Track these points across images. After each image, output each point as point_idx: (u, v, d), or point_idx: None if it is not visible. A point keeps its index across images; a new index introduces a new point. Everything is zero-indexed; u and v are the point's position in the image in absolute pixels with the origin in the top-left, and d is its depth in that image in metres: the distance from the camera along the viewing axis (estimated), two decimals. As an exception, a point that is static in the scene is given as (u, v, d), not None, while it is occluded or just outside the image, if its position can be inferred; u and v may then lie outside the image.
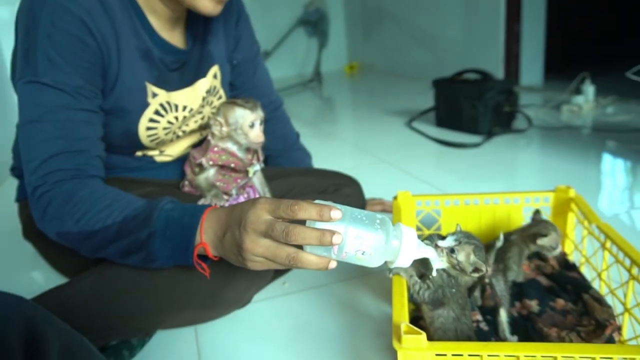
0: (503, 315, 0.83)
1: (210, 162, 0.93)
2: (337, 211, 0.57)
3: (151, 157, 0.98)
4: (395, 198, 1.04)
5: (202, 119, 1.00)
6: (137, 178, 0.98)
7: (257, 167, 0.98)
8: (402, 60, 4.28)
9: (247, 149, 0.96)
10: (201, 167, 0.94)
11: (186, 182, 0.99)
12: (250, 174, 0.98)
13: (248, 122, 0.90)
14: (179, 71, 0.92)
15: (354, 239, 0.58)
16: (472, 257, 0.70)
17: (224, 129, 0.92)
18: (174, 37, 0.90)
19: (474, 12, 3.26)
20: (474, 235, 0.74)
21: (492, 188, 1.51)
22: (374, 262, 0.60)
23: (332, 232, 0.57)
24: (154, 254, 0.71)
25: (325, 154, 2.10)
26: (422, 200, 1.05)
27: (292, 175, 1.11)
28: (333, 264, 0.60)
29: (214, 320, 0.94)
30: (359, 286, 1.04)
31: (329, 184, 1.09)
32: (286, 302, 1.01)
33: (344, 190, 1.09)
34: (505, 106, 2.11)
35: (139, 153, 0.96)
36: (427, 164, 1.88)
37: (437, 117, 2.35)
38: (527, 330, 0.82)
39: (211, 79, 0.99)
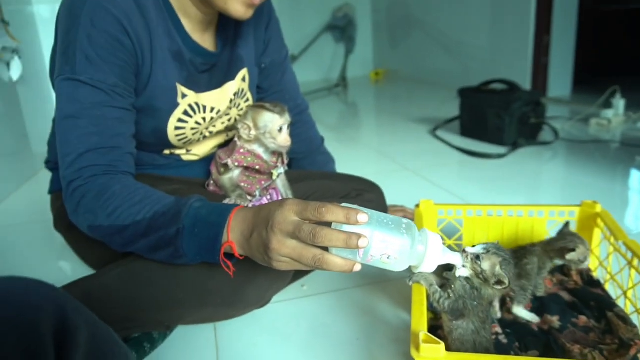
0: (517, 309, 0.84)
1: (236, 164, 0.95)
2: (363, 215, 0.58)
3: (178, 155, 1.00)
4: (417, 206, 1.04)
5: (229, 120, 1.02)
6: (166, 176, 1.01)
7: (281, 170, 0.99)
8: (428, 67, 4.26)
9: (273, 152, 0.97)
10: (226, 168, 0.96)
11: (211, 182, 1.01)
12: (274, 177, 0.99)
13: (277, 127, 0.92)
14: (208, 73, 0.94)
15: (380, 242, 0.59)
16: (498, 269, 0.69)
17: (253, 132, 0.93)
18: (205, 40, 0.92)
19: (502, 22, 3.23)
20: (505, 249, 0.73)
21: (516, 200, 1.50)
22: (399, 266, 0.61)
23: (359, 236, 0.57)
24: (181, 250, 0.72)
25: (348, 159, 2.11)
26: (444, 209, 1.05)
27: (315, 178, 1.12)
28: (358, 267, 0.61)
29: (233, 319, 0.95)
30: (377, 292, 1.04)
31: (351, 189, 1.09)
32: (304, 305, 1.01)
33: (366, 195, 1.09)
34: (531, 118, 2.09)
35: (166, 151, 0.98)
36: (450, 173, 1.86)
37: (461, 126, 2.33)
38: (548, 344, 0.81)
39: (240, 82, 1.01)
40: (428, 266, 0.62)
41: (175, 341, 0.92)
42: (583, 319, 0.85)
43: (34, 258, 1.34)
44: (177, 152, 1.00)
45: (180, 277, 0.82)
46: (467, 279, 0.72)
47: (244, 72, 1.01)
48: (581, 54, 3.09)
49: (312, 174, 1.14)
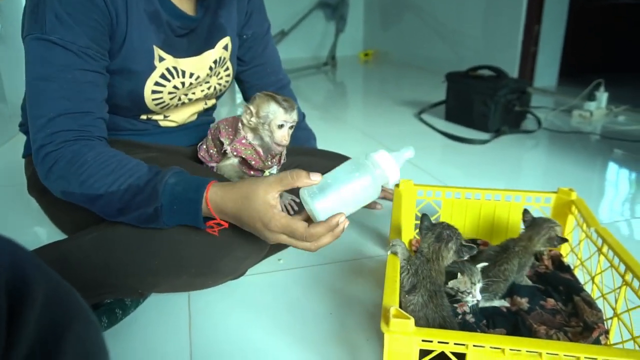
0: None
1: (234, 153, 0.92)
2: (316, 175, 0.70)
3: (156, 121, 0.98)
4: (397, 186, 1.04)
5: (209, 88, 1.00)
6: (143, 142, 0.99)
7: (274, 170, 0.96)
8: (418, 51, 4.24)
9: (271, 154, 0.93)
10: (225, 154, 0.93)
11: (204, 147, 0.98)
12: (265, 174, 0.97)
13: (278, 121, 0.87)
14: (187, 38, 0.92)
15: (351, 195, 0.70)
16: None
17: (253, 119, 0.89)
18: (184, 4, 0.90)
19: (495, 9, 3.22)
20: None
21: (496, 185, 1.51)
22: (373, 194, 0.72)
23: (338, 214, 0.68)
24: (164, 224, 0.76)
25: (333, 139, 2.10)
26: (423, 190, 1.06)
27: (297, 154, 1.11)
28: (346, 222, 0.69)
29: (208, 289, 0.95)
30: (353, 268, 1.05)
31: (333, 165, 1.09)
32: (280, 278, 1.02)
33: None
34: (516, 106, 2.10)
35: (143, 116, 0.96)
36: (433, 156, 1.87)
37: (447, 111, 2.34)
38: (516, 324, 0.83)
39: (221, 50, 0.99)
40: (393, 177, 0.73)
41: (148, 309, 0.92)
42: (551, 301, 0.88)
43: (9, 222, 1.32)
44: (155, 117, 0.98)
45: (155, 244, 0.81)
46: (420, 251, 0.80)
47: (225, 41, 0.99)
48: (570, 45, 3.11)
49: (295, 150, 1.13)
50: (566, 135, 2.08)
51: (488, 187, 1.07)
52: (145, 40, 0.85)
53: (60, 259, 0.82)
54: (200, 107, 1.05)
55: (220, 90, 1.04)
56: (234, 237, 0.80)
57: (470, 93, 2.15)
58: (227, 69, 1.03)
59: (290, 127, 0.89)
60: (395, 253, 0.77)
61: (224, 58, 1.01)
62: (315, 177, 0.69)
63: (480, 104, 2.10)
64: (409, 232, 1.06)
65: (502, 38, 3.15)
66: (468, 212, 1.05)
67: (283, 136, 0.87)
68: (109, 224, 0.82)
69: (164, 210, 0.73)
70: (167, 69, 0.89)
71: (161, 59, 0.88)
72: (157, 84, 0.89)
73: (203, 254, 0.82)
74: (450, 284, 0.82)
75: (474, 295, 0.81)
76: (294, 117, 0.88)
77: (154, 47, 0.86)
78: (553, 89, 3.04)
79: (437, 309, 0.75)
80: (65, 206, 0.83)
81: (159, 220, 0.75)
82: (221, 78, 1.02)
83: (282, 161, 0.97)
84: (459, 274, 0.81)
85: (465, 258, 0.81)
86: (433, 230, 0.81)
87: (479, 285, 0.81)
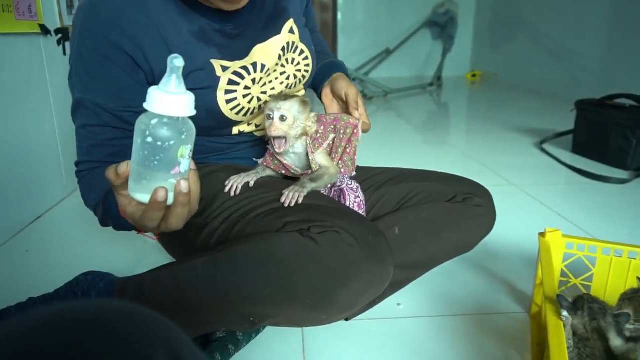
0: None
1: (265, 164, 0.88)
2: (122, 165, 0.58)
3: (250, 133, 0.94)
4: (542, 235, 0.90)
5: (287, 78, 0.94)
6: (242, 165, 0.96)
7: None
8: (530, 74, 3.96)
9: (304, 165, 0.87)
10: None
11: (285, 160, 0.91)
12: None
13: (266, 111, 0.83)
14: (244, 35, 0.88)
15: (149, 159, 0.54)
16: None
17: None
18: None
19: (621, 30, 2.90)
20: None
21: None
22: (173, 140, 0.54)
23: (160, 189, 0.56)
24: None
25: (432, 159, 1.97)
26: (574, 242, 0.90)
27: (416, 179, 1.01)
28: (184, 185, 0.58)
29: (323, 330, 0.89)
30: (482, 323, 0.93)
31: (457, 191, 0.98)
32: (400, 325, 0.92)
33: (474, 200, 0.97)
34: (664, 142, 1.83)
35: (235, 131, 0.93)
36: (560, 193, 1.67)
37: (574, 142, 2.11)
38: None
39: (287, 34, 0.93)
40: (172, 108, 0.53)
41: (260, 346, 0.87)
42: None
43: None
44: (246, 129, 0.93)
45: (267, 268, 0.76)
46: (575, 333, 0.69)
47: (290, 24, 0.93)
48: None
49: (413, 174, 1.04)
50: None
51: (630, 237, 0.89)
52: (195, 60, 0.82)
53: (174, 281, 0.80)
54: None
55: (303, 77, 0.97)
56: (350, 266, 0.73)
57: (607, 124, 1.91)
58: (303, 52, 0.96)
59: (282, 118, 0.82)
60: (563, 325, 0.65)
61: (294, 42, 0.94)
62: (122, 169, 0.58)
63: (619, 137, 1.85)
64: (552, 289, 0.91)
65: (633, 62, 2.81)
66: (631, 275, 0.88)
67: (270, 126, 0.82)
68: (221, 248, 0.79)
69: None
70: (235, 73, 0.85)
71: (224, 68, 0.84)
72: (227, 92, 0.85)
73: (318, 282, 0.76)
74: None
75: None
76: (282, 105, 0.81)
77: (211, 61, 0.83)
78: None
79: None
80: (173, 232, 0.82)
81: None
82: (298, 64, 0.95)
83: (315, 169, 0.87)
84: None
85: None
86: (578, 307, 0.71)
87: None
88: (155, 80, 0.82)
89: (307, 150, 0.86)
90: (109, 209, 0.78)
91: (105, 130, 0.82)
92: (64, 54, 1.60)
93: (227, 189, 0.86)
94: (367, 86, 3.77)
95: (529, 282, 1.05)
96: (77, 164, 0.85)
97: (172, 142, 0.53)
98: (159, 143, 0.53)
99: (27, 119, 1.42)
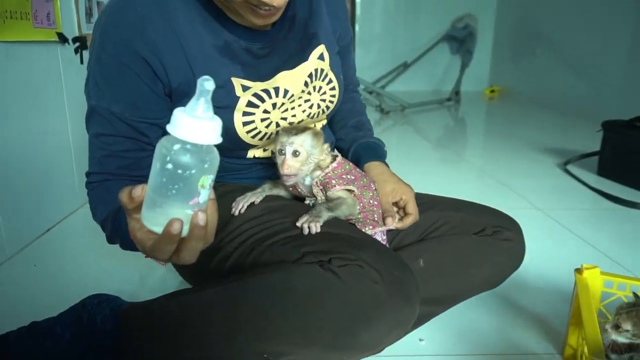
0: None
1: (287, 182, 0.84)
2: (137, 188, 0.52)
3: (265, 159, 0.90)
4: (579, 272, 0.84)
5: (311, 107, 0.89)
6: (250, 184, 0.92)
7: (309, 202, 0.86)
8: (551, 90, 3.88)
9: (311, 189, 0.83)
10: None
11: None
12: (306, 202, 0.87)
13: (277, 145, 0.78)
14: (270, 56, 0.83)
15: (165, 188, 0.49)
16: None
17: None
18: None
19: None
20: None
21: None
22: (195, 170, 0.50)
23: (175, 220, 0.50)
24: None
25: (448, 176, 1.93)
26: (613, 281, 0.84)
27: (443, 208, 0.96)
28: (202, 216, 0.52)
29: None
30: (510, 365, 0.87)
31: (486, 223, 0.93)
32: (421, 364, 0.87)
33: (504, 233, 0.92)
34: (696, 167, 1.75)
35: (250, 155, 0.88)
36: (585, 219, 1.60)
37: (600, 164, 2.03)
38: None
39: (315, 61, 0.88)
40: (199, 136, 0.49)
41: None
42: None
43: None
44: (263, 155, 0.89)
45: (284, 303, 0.71)
46: None
47: (320, 50, 0.88)
48: None
49: (441, 202, 0.98)
50: None
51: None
52: (216, 76, 0.77)
53: (186, 309, 0.76)
54: None
55: (327, 107, 0.92)
56: (374, 304, 0.68)
57: (637, 147, 1.83)
58: (331, 82, 0.91)
59: (294, 154, 0.77)
60: None
61: (322, 70, 0.89)
62: (136, 192, 0.53)
63: (649, 161, 1.78)
64: (595, 340, 0.85)
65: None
66: (676, 317, 0.81)
67: (282, 163, 0.77)
68: (235, 278, 0.74)
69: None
70: (255, 94, 0.81)
71: (245, 88, 0.80)
72: (245, 114, 0.81)
73: (339, 320, 0.70)
74: None
75: None
76: (294, 140, 0.77)
77: (232, 79, 0.79)
78: None
79: None
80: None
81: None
82: (324, 93, 0.90)
83: (328, 194, 0.83)
84: None
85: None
86: None
87: None
88: (172, 92, 0.78)
89: (313, 189, 0.83)
90: (118, 227, 0.74)
91: (119, 140, 0.78)
92: (81, 62, 1.58)
93: (233, 211, 0.82)
94: (384, 100, 3.72)
95: (560, 318, 0.98)
96: (87, 174, 0.82)
97: (193, 171, 0.48)
98: (180, 171, 0.48)
99: (42, 127, 1.40)
